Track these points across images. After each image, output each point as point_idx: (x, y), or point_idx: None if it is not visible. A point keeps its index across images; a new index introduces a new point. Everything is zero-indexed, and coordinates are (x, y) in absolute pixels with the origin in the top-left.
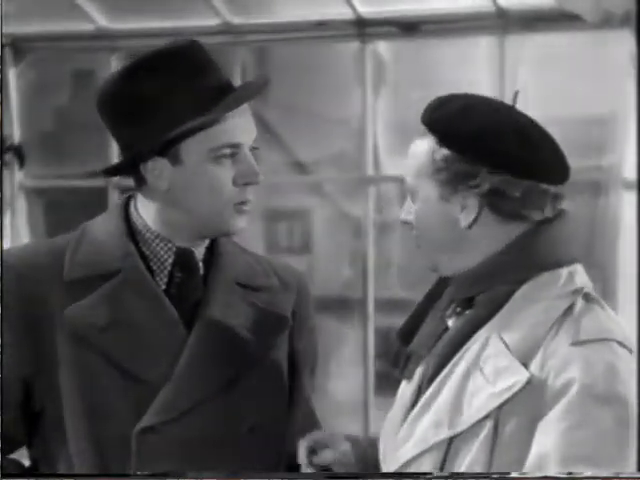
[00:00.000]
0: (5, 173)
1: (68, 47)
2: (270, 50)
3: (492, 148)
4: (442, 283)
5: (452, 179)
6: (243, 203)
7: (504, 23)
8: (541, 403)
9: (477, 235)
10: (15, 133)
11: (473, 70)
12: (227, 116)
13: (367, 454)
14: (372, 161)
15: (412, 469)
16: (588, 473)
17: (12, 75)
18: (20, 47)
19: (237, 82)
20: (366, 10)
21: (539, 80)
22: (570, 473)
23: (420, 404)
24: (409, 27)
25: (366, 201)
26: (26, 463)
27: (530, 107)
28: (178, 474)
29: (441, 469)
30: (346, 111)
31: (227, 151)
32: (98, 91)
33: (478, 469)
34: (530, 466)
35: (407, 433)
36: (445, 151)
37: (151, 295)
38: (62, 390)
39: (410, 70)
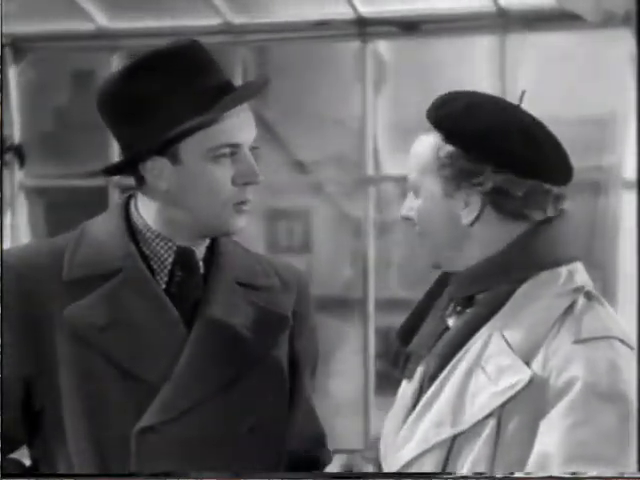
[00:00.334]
0: (5, 173)
1: (68, 47)
2: (271, 50)
3: (497, 147)
4: (442, 282)
5: (456, 176)
6: (243, 203)
7: (505, 23)
8: (543, 401)
9: (478, 233)
10: (15, 133)
11: (473, 70)
12: (226, 116)
13: None
14: (372, 161)
15: (414, 469)
16: (592, 473)
17: (12, 75)
18: (20, 47)
19: (238, 82)
20: (367, 10)
21: (539, 80)
22: (574, 473)
23: (421, 404)
24: (410, 27)
25: (366, 201)
26: (26, 463)
27: (530, 107)
28: (179, 474)
29: (443, 469)
30: (346, 111)
31: (226, 151)
32: (98, 91)
33: (480, 468)
34: (533, 465)
35: (408, 433)
36: (450, 148)
37: (151, 294)
38: (62, 390)
39: (410, 70)
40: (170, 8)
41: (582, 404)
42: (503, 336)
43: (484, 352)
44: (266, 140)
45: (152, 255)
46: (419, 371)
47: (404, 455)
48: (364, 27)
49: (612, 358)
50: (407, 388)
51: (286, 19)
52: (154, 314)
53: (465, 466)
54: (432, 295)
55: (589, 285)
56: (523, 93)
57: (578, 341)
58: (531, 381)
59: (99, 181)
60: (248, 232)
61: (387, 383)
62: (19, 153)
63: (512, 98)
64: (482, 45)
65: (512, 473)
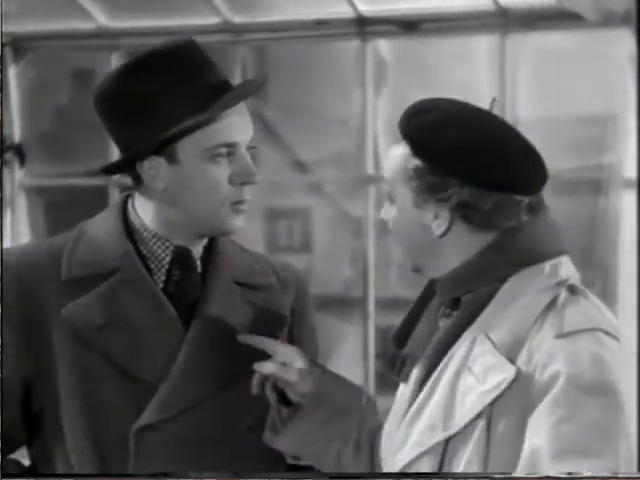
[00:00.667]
0: (5, 172)
1: (68, 46)
2: (270, 49)
3: (463, 165)
4: (433, 284)
5: (423, 190)
6: (240, 202)
7: (504, 22)
8: (530, 398)
9: (451, 242)
10: (15, 132)
11: (473, 69)
12: (223, 115)
13: (326, 385)
14: (372, 161)
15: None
16: (588, 473)
17: (12, 74)
18: (20, 46)
19: (237, 81)
20: (366, 9)
21: (539, 79)
22: (570, 473)
23: (414, 408)
24: (410, 26)
25: (366, 201)
26: (26, 463)
27: (530, 106)
28: (179, 475)
29: (439, 471)
30: (346, 110)
31: (223, 150)
32: (95, 89)
33: (473, 469)
34: (524, 462)
35: (404, 437)
36: (417, 161)
37: (149, 294)
38: (60, 389)
39: (411, 69)
40: (170, 7)
41: (566, 398)
42: (488, 336)
43: (470, 353)
44: (266, 140)
45: (150, 254)
46: (414, 373)
47: (401, 459)
48: (364, 26)
49: (595, 350)
50: (404, 390)
51: (286, 18)
52: (152, 313)
53: (460, 469)
54: (425, 297)
55: (574, 278)
56: (493, 101)
57: (560, 335)
58: (517, 378)
59: (99, 180)
60: (248, 231)
61: (387, 383)
62: (19, 152)
63: (512, 98)
64: (482, 44)
65: (510, 473)
